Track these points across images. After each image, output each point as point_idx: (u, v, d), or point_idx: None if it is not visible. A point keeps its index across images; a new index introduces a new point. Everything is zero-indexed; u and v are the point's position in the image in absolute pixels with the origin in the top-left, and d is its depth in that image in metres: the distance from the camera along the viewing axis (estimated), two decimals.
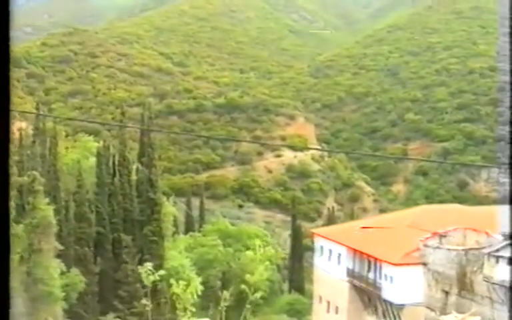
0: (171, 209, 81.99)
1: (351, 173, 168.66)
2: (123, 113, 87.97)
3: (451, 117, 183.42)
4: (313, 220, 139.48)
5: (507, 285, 48.35)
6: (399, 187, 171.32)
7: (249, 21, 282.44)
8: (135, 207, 69.47)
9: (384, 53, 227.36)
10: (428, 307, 56.14)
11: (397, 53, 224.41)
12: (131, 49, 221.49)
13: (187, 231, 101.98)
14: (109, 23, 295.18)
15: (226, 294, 7.01)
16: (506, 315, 45.83)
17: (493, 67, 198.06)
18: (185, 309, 6.61)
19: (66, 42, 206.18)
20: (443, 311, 45.21)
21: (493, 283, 50.47)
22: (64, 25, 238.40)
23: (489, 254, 51.33)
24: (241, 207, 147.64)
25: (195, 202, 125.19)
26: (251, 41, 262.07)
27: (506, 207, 46.35)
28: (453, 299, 54.64)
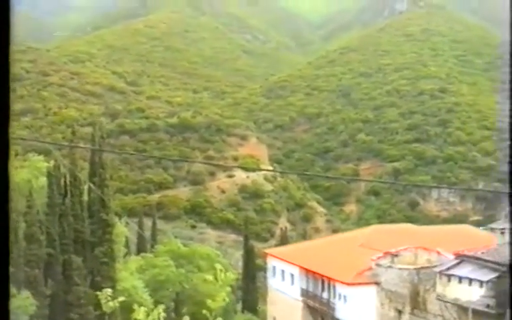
0: (123, 230, 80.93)
1: (304, 193, 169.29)
2: (73, 133, 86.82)
3: (401, 137, 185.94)
4: (265, 240, 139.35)
5: (459, 303, 48.89)
6: (351, 207, 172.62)
7: (202, 40, 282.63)
8: (86, 227, 68.32)
9: (336, 74, 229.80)
10: None
11: (349, 74, 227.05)
12: (83, 67, 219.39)
13: (138, 252, 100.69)
14: (61, 41, 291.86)
15: (186, 318, 6.83)
16: None
17: (443, 89, 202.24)
18: None
19: (17, 59, 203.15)
20: None
21: (446, 302, 50.99)
22: (16, 43, 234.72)
23: (440, 273, 51.87)
24: (193, 227, 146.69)
25: (147, 222, 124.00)
26: (205, 61, 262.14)
27: None
28: (406, 317, 55.01)
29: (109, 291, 7.70)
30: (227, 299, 7.02)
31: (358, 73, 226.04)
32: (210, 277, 7.02)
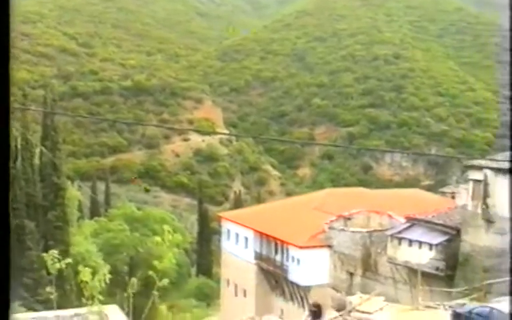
0: (76, 194, 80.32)
1: (258, 156, 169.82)
2: (25, 95, 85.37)
3: (356, 102, 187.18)
4: (220, 203, 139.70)
5: (409, 265, 49.87)
6: (305, 171, 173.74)
7: (155, 2, 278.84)
8: (38, 191, 67.60)
9: (291, 38, 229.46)
10: (334, 288, 57.24)
11: (304, 39, 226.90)
12: (34, 28, 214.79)
13: (92, 216, 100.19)
14: (11, 1, 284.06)
15: (134, 280, 6.86)
16: (408, 295, 47.24)
17: (397, 54, 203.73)
18: (92, 297, 6.40)
19: None
20: (349, 292, 46.24)
21: (396, 264, 51.97)
22: None
23: (391, 236, 52.76)
24: (147, 191, 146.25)
25: (101, 186, 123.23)
26: (158, 23, 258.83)
27: None
28: (357, 279, 55.93)
29: (55, 252, 7.70)
30: (174, 260, 7.09)
31: (313, 37, 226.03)
32: (157, 238, 7.09)
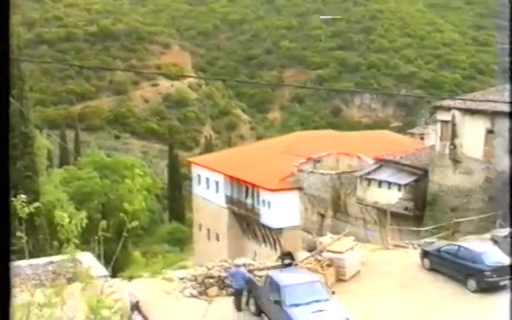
0: (45, 142, 79.49)
1: (228, 101, 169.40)
2: None
3: (325, 44, 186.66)
4: (190, 149, 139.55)
5: (379, 206, 50.57)
6: (275, 114, 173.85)
7: None
8: None
9: None
10: (305, 230, 57.93)
11: None
12: None
13: (62, 165, 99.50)
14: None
15: (103, 223, 6.89)
16: (377, 235, 47.97)
17: None
18: (68, 241, 6.43)
19: None
20: (319, 233, 46.84)
21: (366, 205, 52.64)
22: None
23: (360, 177, 53.32)
24: (117, 137, 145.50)
25: (70, 134, 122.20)
26: None
27: None
28: (328, 221, 56.62)
29: (23, 196, 7.69)
30: (144, 204, 7.15)
31: None
32: (128, 181, 7.13)
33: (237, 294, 26.21)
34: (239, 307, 25.90)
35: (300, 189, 59.53)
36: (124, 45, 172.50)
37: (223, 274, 27.74)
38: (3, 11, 2.95)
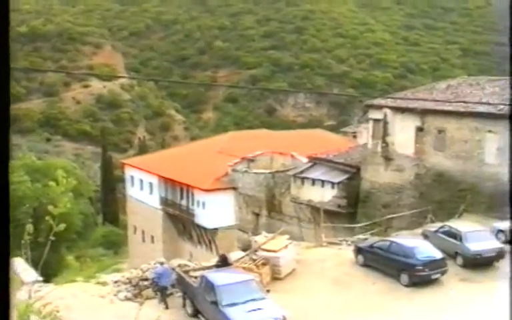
0: None
1: (162, 101, 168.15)
2: None
3: (258, 44, 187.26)
4: (124, 150, 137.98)
5: (312, 204, 51.01)
6: (209, 114, 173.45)
7: None
8: None
9: None
10: (240, 229, 58.00)
11: None
12: None
13: None
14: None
15: (29, 227, 6.69)
16: (312, 232, 48.41)
17: None
18: None
19: None
20: (254, 232, 46.91)
21: (300, 203, 53.03)
22: None
23: (294, 175, 53.69)
24: (48, 140, 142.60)
25: None
26: None
27: None
28: (263, 220, 56.84)
29: None
30: (69, 205, 6.98)
31: None
32: (51, 183, 6.95)
33: (163, 292, 26.23)
34: (165, 305, 25.93)
35: (234, 188, 59.59)
36: (55, 45, 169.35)
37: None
38: (3, 11, 2.87)
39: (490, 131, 40.35)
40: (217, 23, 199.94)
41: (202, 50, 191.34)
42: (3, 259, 2.89)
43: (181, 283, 26.67)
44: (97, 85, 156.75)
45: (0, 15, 2.83)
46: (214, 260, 30.03)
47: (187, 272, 27.61)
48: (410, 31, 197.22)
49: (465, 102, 41.84)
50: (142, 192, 69.53)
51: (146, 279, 27.49)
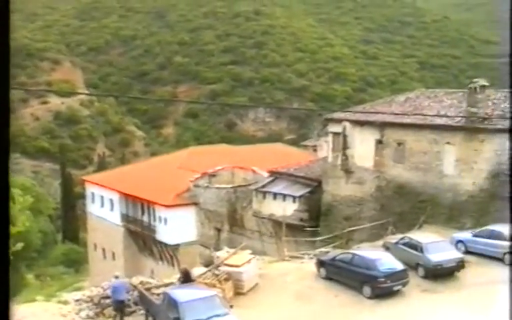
0: None
1: (121, 117, 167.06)
2: None
3: (218, 59, 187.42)
4: (83, 167, 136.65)
5: (274, 218, 51.05)
6: (169, 130, 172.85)
7: None
8: None
9: None
10: (202, 245, 57.76)
11: None
12: None
13: None
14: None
15: None
16: (274, 246, 48.41)
17: (257, 11, 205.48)
18: None
19: None
20: (216, 248, 46.77)
21: (262, 218, 53.04)
22: None
23: (256, 190, 53.71)
24: None
25: None
26: None
27: None
28: (225, 235, 56.70)
29: None
30: (27, 223, 6.89)
31: None
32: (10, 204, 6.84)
33: (120, 307, 26.02)
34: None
35: (196, 204, 59.39)
36: (13, 61, 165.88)
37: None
38: (2, 12, 2.87)
39: (448, 143, 40.89)
40: (176, 38, 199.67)
41: (162, 65, 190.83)
42: (3, 259, 2.85)
43: (143, 300, 26.43)
44: (55, 101, 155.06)
45: (0, 18, 2.84)
46: (176, 276, 29.81)
47: (149, 289, 27.38)
48: (368, 45, 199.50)
49: (423, 114, 42.36)
50: (103, 209, 68.87)
51: (107, 297, 27.18)
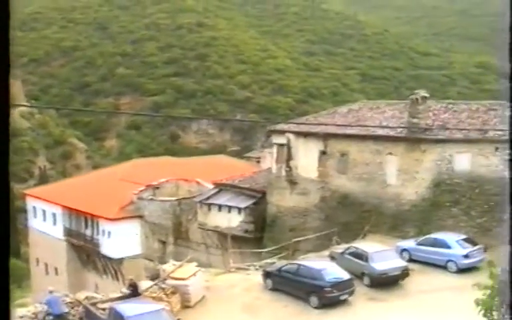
0: None
1: (63, 129, 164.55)
2: None
3: (160, 71, 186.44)
4: (24, 180, 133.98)
5: (220, 230, 50.99)
6: (111, 142, 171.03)
7: None
8: None
9: (93, 6, 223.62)
10: (147, 258, 57.28)
11: (107, 7, 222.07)
12: None
13: None
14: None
15: None
16: (220, 258, 48.32)
17: (200, 23, 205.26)
18: None
19: None
20: (162, 261, 46.45)
21: (207, 230, 52.91)
22: None
23: (200, 202, 53.56)
24: None
25: None
26: None
27: None
28: (170, 248, 56.34)
29: None
30: None
31: (116, 6, 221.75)
32: None
33: None
34: None
35: (140, 216, 58.87)
36: None
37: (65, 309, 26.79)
38: (2, 13, 2.79)
39: (390, 153, 41.57)
40: (119, 49, 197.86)
41: (104, 77, 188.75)
42: (3, 259, 2.82)
43: (88, 315, 26.07)
44: None
45: (0, 18, 2.79)
46: (123, 290, 29.50)
47: (94, 304, 27.02)
48: (311, 57, 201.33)
49: (365, 126, 42.99)
50: (45, 223, 67.65)
51: (51, 313, 26.71)
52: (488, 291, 15.31)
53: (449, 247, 33.04)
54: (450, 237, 34.01)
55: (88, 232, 61.42)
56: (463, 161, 38.72)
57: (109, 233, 58.63)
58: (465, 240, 34.04)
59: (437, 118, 41.72)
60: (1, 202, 2.81)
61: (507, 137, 37.30)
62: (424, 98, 41.67)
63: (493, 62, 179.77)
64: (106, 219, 58.49)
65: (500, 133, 37.62)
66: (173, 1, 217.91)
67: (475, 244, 33.80)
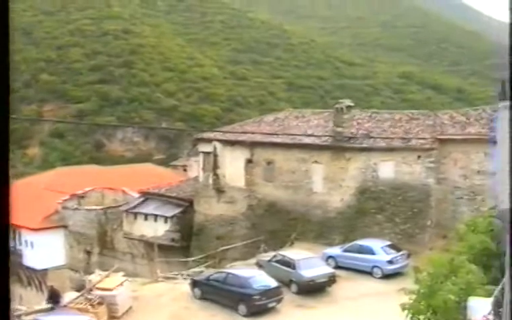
0: None
1: None
2: None
3: (85, 78, 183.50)
4: None
5: (146, 239, 50.54)
6: (34, 150, 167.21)
7: None
8: None
9: (18, 10, 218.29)
10: (71, 269, 56.21)
11: (31, 12, 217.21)
12: None
13: None
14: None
15: None
16: (147, 268, 47.86)
17: (126, 30, 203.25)
18: None
19: None
20: (87, 271, 45.69)
21: (133, 239, 52.36)
22: None
23: (126, 211, 52.99)
24: None
25: None
26: None
27: None
28: (95, 258, 55.46)
29: None
30: None
31: (40, 11, 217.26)
32: None
33: None
34: None
35: (65, 226, 57.76)
36: None
37: None
38: (2, 13, 2.72)
39: (316, 162, 42.11)
40: (43, 55, 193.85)
41: (27, 83, 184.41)
42: (3, 259, 2.75)
43: None
44: None
45: (0, 18, 2.75)
46: (47, 302, 28.91)
47: (19, 316, 26.38)
48: (237, 66, 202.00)
49: (291, 134, 43.42)
50: None
51: None
52: (414, 296, 15.69)
53: (374, 253, 33.67)
54: (375, 244, 34.67)
55: (10, 243, 59.83)
56: (387, 168, 39.57)
57: (32, 243, 57.29)
58: (389, 246, 34.77)
59: (361, 127, 42.51)
60: (1, 200, 2.77)
61: (428, 146, 38.37)
62: (349, 107, 42.42)
63: (415, 72, 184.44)
64: (29, 229, 57.10)
65: (422, 141, 38.63)
66: (98, 8, 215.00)
67: (399, 250, 34.56)
